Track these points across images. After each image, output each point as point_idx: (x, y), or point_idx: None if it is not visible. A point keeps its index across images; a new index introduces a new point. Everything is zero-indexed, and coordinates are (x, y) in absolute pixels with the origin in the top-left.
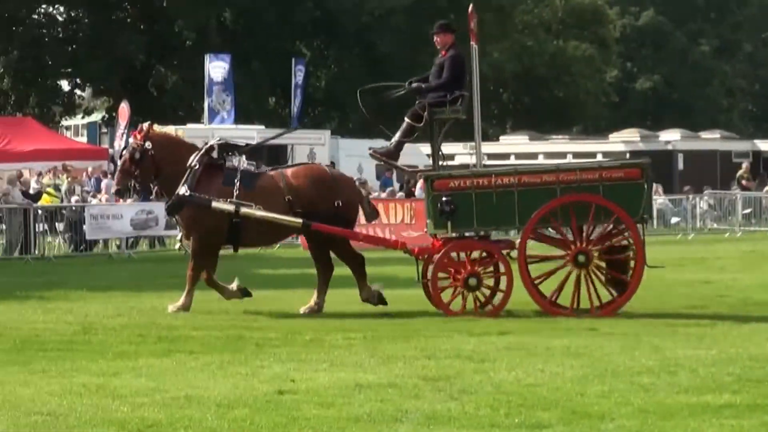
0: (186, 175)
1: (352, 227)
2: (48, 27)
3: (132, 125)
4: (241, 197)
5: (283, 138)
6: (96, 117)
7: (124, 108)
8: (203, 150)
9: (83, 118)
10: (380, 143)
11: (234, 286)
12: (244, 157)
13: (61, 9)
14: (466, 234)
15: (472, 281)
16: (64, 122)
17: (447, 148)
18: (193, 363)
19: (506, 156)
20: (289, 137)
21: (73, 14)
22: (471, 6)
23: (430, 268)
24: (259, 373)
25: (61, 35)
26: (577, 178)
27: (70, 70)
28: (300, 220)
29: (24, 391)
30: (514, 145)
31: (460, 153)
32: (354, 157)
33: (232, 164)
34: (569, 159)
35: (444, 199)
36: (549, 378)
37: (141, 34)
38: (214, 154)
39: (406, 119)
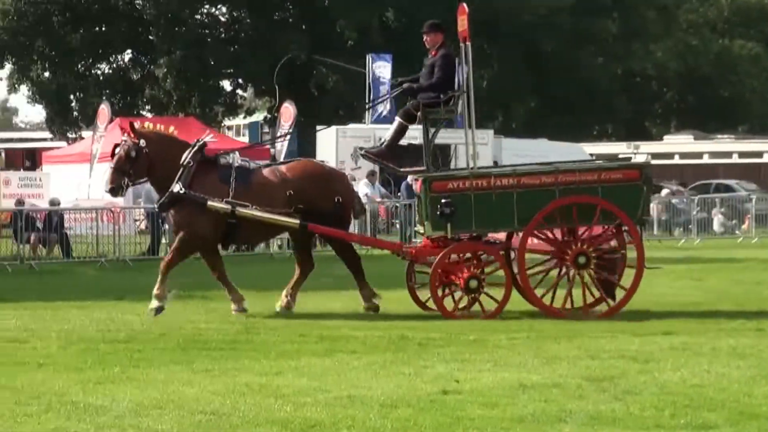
0: (180, 173)
1: (348, 224)
2: (210, 27)
3: (295, 125)
4: (239, 194)
5: (447, 138)
6: (257, 117)
7: (288, 108)
8: (196, 147)
9: (245, 118)
10: (542, 143)
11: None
12: (237, 153)
13: (224, 9)
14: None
15: (473, 283)
16: (226, 122)
17: (609, 147)
18: (356, 363)
19: (670, 156)
20: (453, 137)
21: (235, 14)
22: (461, 3)
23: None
24: (423, 372)
25: (223, 35)
26: (576, 179)
27: (231, 70)
28: (297, 221)
29: (188, 391)
30: (679, 144)
31: (623, 153)
32: (518, 157)
33: (227, 161)
34: (735, 159)
35: (443, 200)
36: (715, 378)
37: (302, 34)
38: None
39: (398, 119)
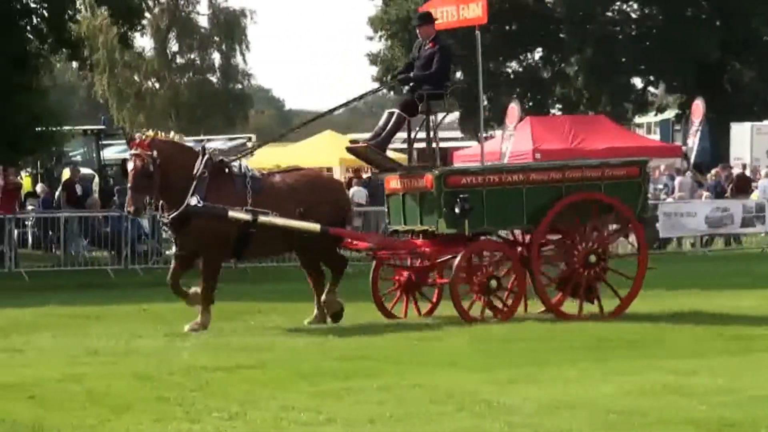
0: (194, 184)
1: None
2: (621, 24)
3: (705, 122)
4: (256, 204)
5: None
6: (669, 114)
7: (698, 105)
8: (207, 155)
9: (656, 115)
10: None
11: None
12: (245, 160)
13: (635, 6)
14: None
15: (493, 283)
16: (636, 120)
17: None
18: None
19: None
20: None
21: (646, 11)
22: None
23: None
24: None
25: (634, 32)
26: (582, 175)
27: (643, 67)
28: (318, 226)
29: (599, 390)
30: None
31: None
32: None
33: (238, 169)
34: None
35: (462, 196)
36: None
37: (715, 31)
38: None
39: (398, 111)
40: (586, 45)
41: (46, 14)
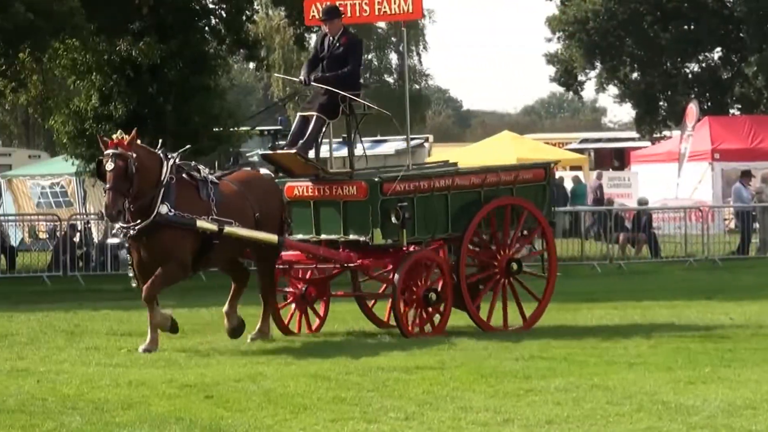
0: (161, 191)
1: None
2: None
3: None
4: (219, 212)
5: None
6: None
7: None
8: (173, 159)
9: None
10: None
11: (169, 312)
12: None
13: None
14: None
15: (432, 296)
16: None
17: None
18: None
19: None
20: None
21: None
22: None
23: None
24: None
25: None
26: (498, 180)
27: None
28: (276, 237)
29: None
30: None
31: None
32: None
33: (198, 175)
34: None
35: (400, 204)
36: None
37: None
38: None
39: (317, 114)
40: (766, 44)
41: (224, 15)
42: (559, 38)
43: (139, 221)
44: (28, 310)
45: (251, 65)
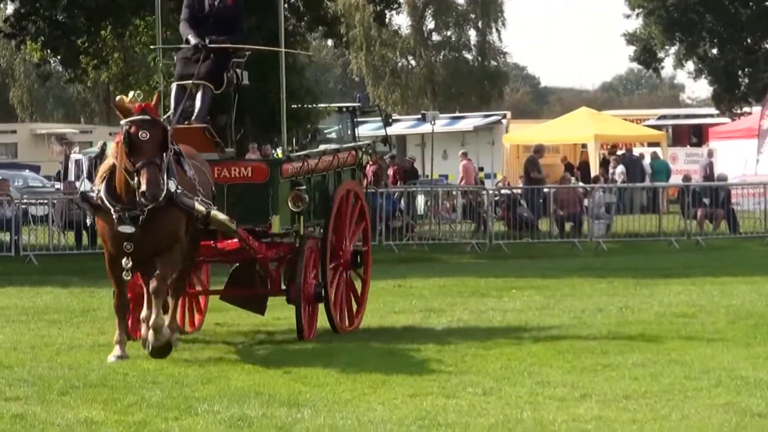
0: (167, 165)
1: None
2: None
3: None
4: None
5: None
6: None
7: None
8: (170, 127)
9: None
10: None
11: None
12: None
13: None
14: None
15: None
16: None
17: None
18: None
19: None
20: None
21: None
22: None
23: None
24: None
25: None
26: (338, 162)
27: None
28: (234, 224)
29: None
30: None
31: None
32: None
33: (174, 147)
34: None
35: (299, 188)
36: None
37: None
38: None
39: (204, 83)
40: None
41: None
42: (638, 14)
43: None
44: (108, 285)
45: (330, 42)
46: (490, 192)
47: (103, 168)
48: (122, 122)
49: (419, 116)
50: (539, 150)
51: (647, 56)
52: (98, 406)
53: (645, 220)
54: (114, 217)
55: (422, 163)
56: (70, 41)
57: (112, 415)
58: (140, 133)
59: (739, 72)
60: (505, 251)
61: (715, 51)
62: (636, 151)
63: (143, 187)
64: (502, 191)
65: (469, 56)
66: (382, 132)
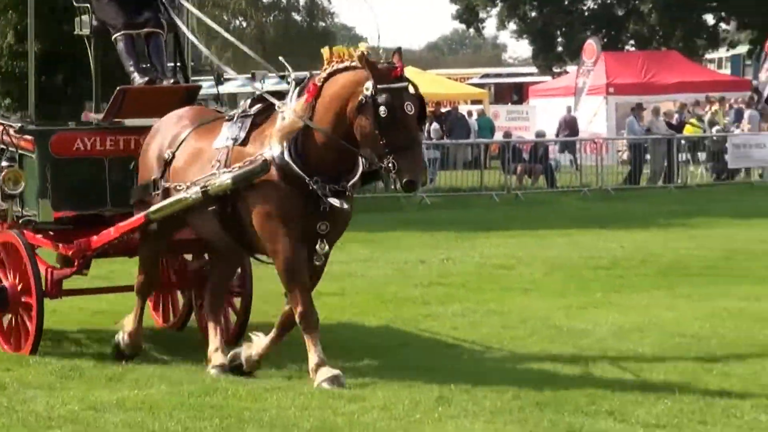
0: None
1: None
2: None
3: None
4: None
5: None
6: (740, 50)
7: None
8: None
9: (727, 51)
10: None
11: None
12: None
13: None
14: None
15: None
16: (708, 56)
17: None
18: None
19: None
20: None
21: None
22: None
23: None
24: None
25: None
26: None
27: (715, 3)
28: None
29: (668, 315)
30: None
31: None
32: None
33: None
34: None
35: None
36: None
37: None
38: None
39: (159, 30)
40: None
41: None
42: None
43: None
44: None
45: None
46: None
47: (286, 128)
48: (376, 87)
49: (249, 75)
50: None
51: (469, 15)
52: None
53: (468, 176)
54: (316, 189)
55: None
56: None
57: None
58: (406, 104)
59: (557, 32)
60: None
61: (534, 13)
62: (463, 109)
63: (408, 176)
64: None
65: (298, 17)
66: (214, 90)
